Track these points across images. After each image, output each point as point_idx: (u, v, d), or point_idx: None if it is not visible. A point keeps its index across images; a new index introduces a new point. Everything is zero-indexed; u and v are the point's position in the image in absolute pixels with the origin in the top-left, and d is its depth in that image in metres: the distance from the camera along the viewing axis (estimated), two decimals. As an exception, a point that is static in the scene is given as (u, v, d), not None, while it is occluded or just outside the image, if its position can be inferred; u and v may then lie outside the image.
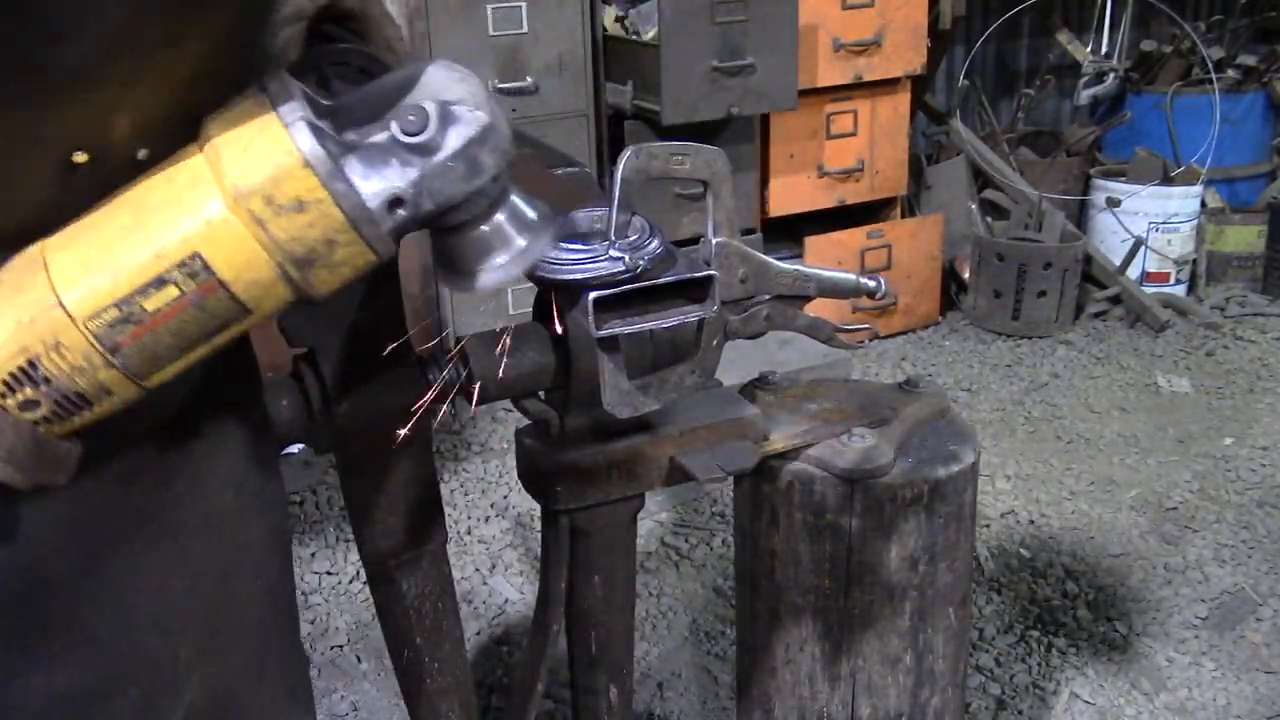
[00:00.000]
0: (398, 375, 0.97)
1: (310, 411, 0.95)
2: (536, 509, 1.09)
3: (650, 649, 2.30)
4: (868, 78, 3.68)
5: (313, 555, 2.62)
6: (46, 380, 0.64)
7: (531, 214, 0.75)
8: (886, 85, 3.75)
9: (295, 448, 0.98)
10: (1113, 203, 4.22)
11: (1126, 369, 3.64)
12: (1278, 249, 4.24)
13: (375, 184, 0.66)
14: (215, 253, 0.65)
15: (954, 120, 4.44)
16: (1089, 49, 4.71)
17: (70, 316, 0.64)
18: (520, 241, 0.74)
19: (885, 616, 1.24)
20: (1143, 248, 4.15)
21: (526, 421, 1.06)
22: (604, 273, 0.92)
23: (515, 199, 0.74)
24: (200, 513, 0.82)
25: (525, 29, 3.13)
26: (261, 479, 0.89)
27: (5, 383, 0.64)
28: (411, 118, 0.67)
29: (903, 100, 3.83)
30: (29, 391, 0.64)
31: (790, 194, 3.69)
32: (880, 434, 1.21)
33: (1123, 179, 4.27)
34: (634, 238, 0.95)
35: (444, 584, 1.02)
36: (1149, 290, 4.09)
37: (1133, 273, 4.13)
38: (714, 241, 1.05)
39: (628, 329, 0.93)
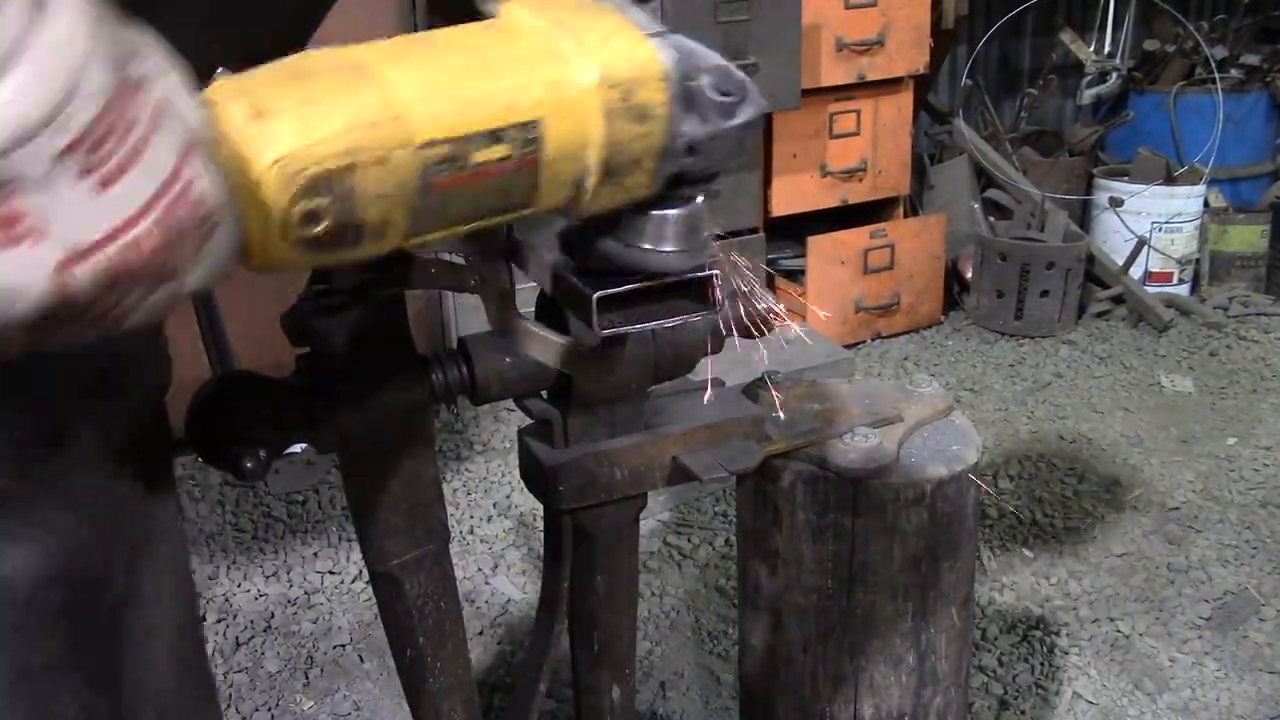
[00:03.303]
0: (400, 375, 0.97)
1: (312, 411, 0.95)
2: (539, 508, 1.09)
3: (653, 648, 2.30)
4: (871, 77, 3.68)
5: (315, 555, 2.62)
6: (347, 197, 0.55)
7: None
8: (889, 85, 3.75)
9: (298, 447, 0.98)
10: (1116, 202, 4.21)
11: (1129, 369, 3.64)
12: (1281, 249, 4.24)
13: (686, 125, 0.65)
14: (555, 127, 0.60)
15: (957, 120, 4.44)
16: (1092, 48, 4.71)
17: (410, 135, 0.56)
18: (701, 237, 0.73)
19: (888, 616, 1.24)
20: (1146, 247, 4.15)
21: (529, 421, 1.06)
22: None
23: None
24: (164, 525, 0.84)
25: (528, 28, 3.14)
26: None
27: (308, 185, 0.54)
28: (727, 78, 0.66)
29: (905, 100, 3.82)
30: (322, 202, 0.54)
31: (793, 193, 3.69)
32: (883, 433, 1.21)
33: (1126, 179, 4.27)
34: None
35: (446, 583, 1.02)
36: (1152, 290, 4.09)
37: (1136, 272, 4.13)
38: None
39: (630, 328, 0.93)
